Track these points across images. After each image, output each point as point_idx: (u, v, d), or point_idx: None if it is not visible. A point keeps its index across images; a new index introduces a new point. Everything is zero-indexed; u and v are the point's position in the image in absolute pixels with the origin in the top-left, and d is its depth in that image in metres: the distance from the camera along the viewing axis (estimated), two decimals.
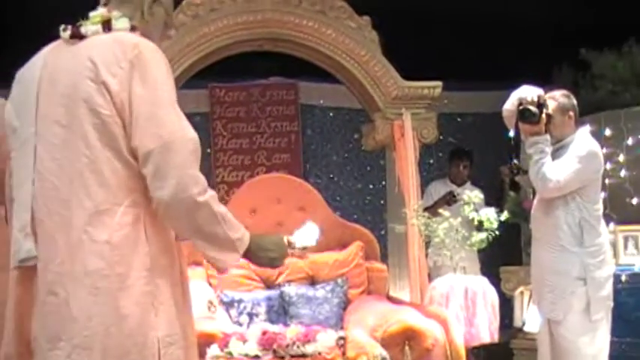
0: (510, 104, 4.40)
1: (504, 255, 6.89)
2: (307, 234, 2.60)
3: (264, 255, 2.54)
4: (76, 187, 2.29)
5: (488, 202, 5.71)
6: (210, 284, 5.30)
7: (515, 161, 4.58)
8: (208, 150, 7.67)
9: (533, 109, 4.24)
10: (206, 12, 5.74)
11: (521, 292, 6.86)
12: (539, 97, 4.28)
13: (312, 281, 5.47)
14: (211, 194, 2.33)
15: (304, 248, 2.64)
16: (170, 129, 2.28)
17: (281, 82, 8.04)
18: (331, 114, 8.16)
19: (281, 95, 8.00)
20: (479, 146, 7.79)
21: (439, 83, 6.02)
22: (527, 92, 4.32)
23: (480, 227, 5.32)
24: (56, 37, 2.49)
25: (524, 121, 4.27)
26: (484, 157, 7.69)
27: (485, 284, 5.27)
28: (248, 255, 2.49)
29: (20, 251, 2.33)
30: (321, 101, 8.12)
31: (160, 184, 2.25)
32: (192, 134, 2.31)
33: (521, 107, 4.26)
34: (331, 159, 8.15)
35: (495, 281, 5.93)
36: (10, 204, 2.46)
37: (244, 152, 7.89)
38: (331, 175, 8.14)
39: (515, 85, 4.47)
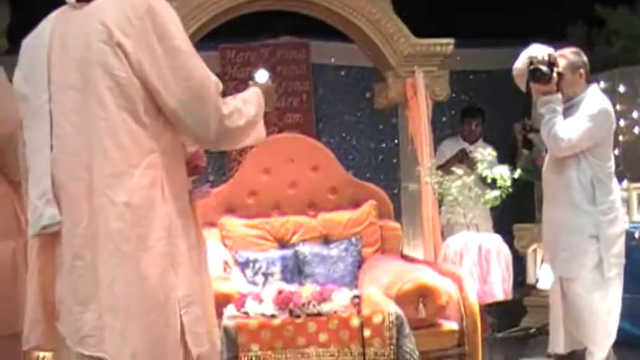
0: (521, 63, 4.37)
1: (517, 213, 6.91)
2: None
3: (271, 99, 2.69)
4: (94, 150, 2.30)
5: (501, 160, 5.70)
6: (224, 245, 5.32)
7: (529, 122, 4.57)
8: None
9: (544, 68, 4.21)
10: None
11: (534, 250, 6.89)
12: (549, 55, 4.26)
13: (326, 240, 5.48)
14: (242, 109, 2.46)
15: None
16: (196, 77, 2.35)
17: (292, 41, 8.01)
18: (343, 73, 8.14)
19: (292, 55, 7.97)
20: (491, 104, 7.76)
21: (451, 40, 5.98)
22: (538, 51, 4.29)
23: (493, 185, 5.33)
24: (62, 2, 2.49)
25: (535, 80, 4.25)
26: (496, 114, 7.67)
27: (499, 242, 5.29)
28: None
29: (42, 218, 2.34)
30: (333, 60, 8.09)
31: (203, 131, 2.38)
32: (213, 78, 2.42)
33: (532, 67, 4.24)
34: (343, 118, 8.14)
35: (508, 239, 5.95)
36: (25, 173, 2.46)
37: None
38: (344, 134, 8.14)
39: (528, 42, 4.45)
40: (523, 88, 4.39)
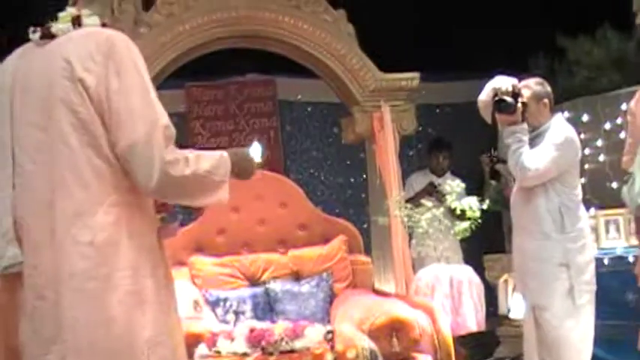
0: (485, 95, 4.41)
1: (486, 243, 6.92)
2: (257, 151, 2.66)
3: (244, 166, 2.55)
4: (57, 188, 2.27)
5: (469, 192, 5.71)
6: (194, 284, 5.27)
7: (496, 153, 4.59)
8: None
9: (508, 99, 4.25)
10: (181, 10, 5.72)
11: (505, 280, 6.90)
12: (513, 86, 4.30)
13: (297, 277, 5.45)
14: (192, 158, 2.33)
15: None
16: (145, 120, 2.27)
17: (258, 78, 8.02)
18: (309, 109, 8.15)
19: (258, 92, 7.98)
20: (457, 136, 7.80)
21: (416, 75, 6.04)
22: (502, 82, 4.32)
23: (462, 216, 5.34)
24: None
25: (500, 111, 4.28)
26: (463, 147, 7.72)
27: (470, 273, 5.29)
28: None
29: (4, 258, 2.31)
30: (299, 96, 8.11)
31: (146, 177, 2.26)
32: (164, 121, 2.31)
33: (496, 98, 4.27)
34: (311, 154, 8.14)
35: (479, 270, 5.96)
36: None
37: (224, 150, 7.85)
38: (312, 170, 8.14)
39: (491, 74, 4.48)
40: (488, 119, 4.42)
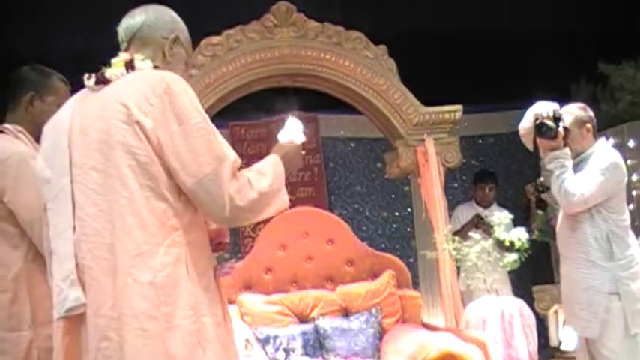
0: (526, 122, 4.36)
1: (535, 274, 6.86)
2: (292, 130, 2.63)
3: (294, 163, 2.65)
4: (117, 230, 2.31)
5: (515, 222, 5.68)
6: (244, 322, 5.29)
7: (540, 179, 4.55)
8: None
9: (549, 123, 4.19)
10: (224, 51, 5.80)
11: (555, 311, 6.81)
12: (554, 111, 4.24)
13: (346, 313, 5.45)
14: (252, 180, 2.40)
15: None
16: (212, 156, 2.33)
17: (300, 115, 7.97)
18: (352, 145, 8.18)
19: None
20: (501, 167, 7.78)
21: (459, 107, 6.04)
22: (543, 108, 4.28)
23: (510, 248, 5.31)
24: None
25: (541, 136, 4.22)
26: (507, 177, 7.68)
27: (521, 305, 5.25)
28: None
29: (67, 300, 2.34)
30: (342, 132, 8.15)
31: (218, 209, 2.33)
32: (231, 156, 2.38)
33: (537, 122, 4.23)
34: (355, 189, 8.15)
35: (528, 301, 5.90)
36: (50, 256, 2.46)
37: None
38: (356, 206, 8.15)
39: (532, 103, 4.45)
40: (530, 146, 4.37)
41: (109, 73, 2.47)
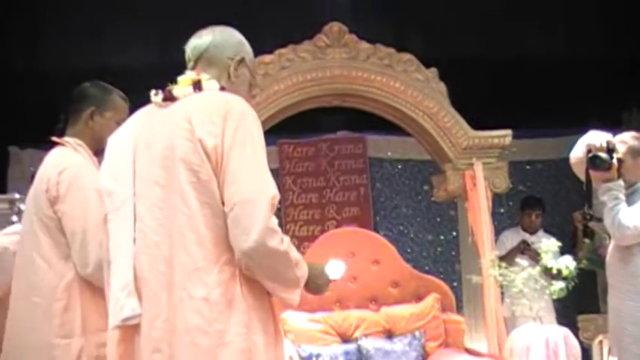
0: (579, 151, 4.30)
1: (580, 303, 6.78)
2: (336, 268, 2.61)
3: (318, 282, 2.57)
4: (176, 245, 2.35)
5: (562, 250, 5.64)
6: (287, 339, 5.30)
7: (589, 211, 4.49)
8: (278, 206, 7.69)
9: (603, 155, 4.13)
10: (276, 70, 5.86)
11: (600, 342, 6.73)
12: (607, 142, 4.18)
13: (389, 334, 5.45)
14: (287, 241, 2.39)
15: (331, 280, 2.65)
16: (255, 185, 2.34)
17: (349, 135, 8.10)
18: (399, 166, 8.18)
19: (349, 149, 8.05)
20: (548, 193, 7.71)
21: (509, 132, 6.01)
22: (596, 138, 4.22)
23: (557, 276, 5.26)
24: None
25: (594, 168, 4.16)
26: (554, 203, 7.61)
27: (567, 334, 5.20)
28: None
29: (123, 310, 2.38)
30: (389, 153, 8.15)
31: (244, 236, 2.30)
32: (273, 191, 2.37)
33: (590, 154, 4.17)
34: (401, 211, 8.14)
35: (572, 330, 5.84)
36: (108, 265, 2.51)
37: (314, 207, 7.93)
38: (401, 227, 8.13)
39: (582, 130, 4.41)
40: (582, 176, 4.31)
41: (176, 90, 2.53)
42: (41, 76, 6.84)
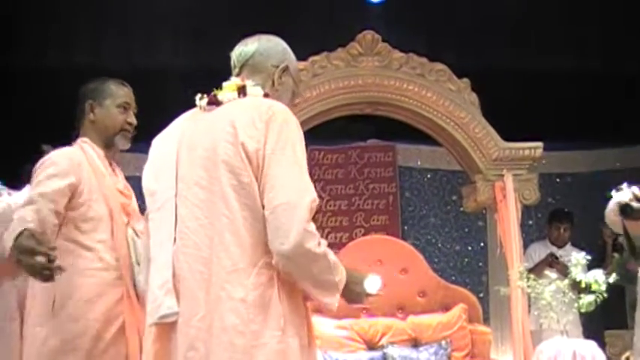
0: (611, 211, 4.37)
1: (607, 318, 6.74)
2: (373, 283, 2.62)
3: (357, 290, 2.57)
4: (216, 246, 2.38)
5: (589, 264, 5.62)
6: None
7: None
8: None
9: (634, 204, 4.19)
10: (309, 77, 5.88)
11: (627, 358, 6.68)
12: (634, 194, 4.23)
13: (415, 343, 5.45)
14: (324, 244, 2.41)
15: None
16: (294, 189, 2.36)
17: (379, 144, 8.12)
18: (429, 175, 8.19)
19: (379, 157, 8.07)
20: (577, 206, 7.68)
21: (540, 144, 6.00)
22: (623, 195, 4.27)
23: (585, 290, 5.24)
24: None
25: (626, 216, 4.23)
26: (584, 216, 7.58)
27: (594, 348, 5.17)
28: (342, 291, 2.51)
29: (161, 307, 2.41)
30: (419, 163, 8.16)
31: (283, 238, 2.33)
32: (313, 195, 2.40)
33: (621, 205, 4.22)
34: (429, 220, 8.15)
35: (599, 345, 5.81)
36: (147, 263, 2.55)
37: (342, 214, 7.96)
38: (429, 237, 8.14)
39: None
40: (621, 231, 4.37)
41: (221, 95, 2.57)
42: (76, 75, 6.92)
